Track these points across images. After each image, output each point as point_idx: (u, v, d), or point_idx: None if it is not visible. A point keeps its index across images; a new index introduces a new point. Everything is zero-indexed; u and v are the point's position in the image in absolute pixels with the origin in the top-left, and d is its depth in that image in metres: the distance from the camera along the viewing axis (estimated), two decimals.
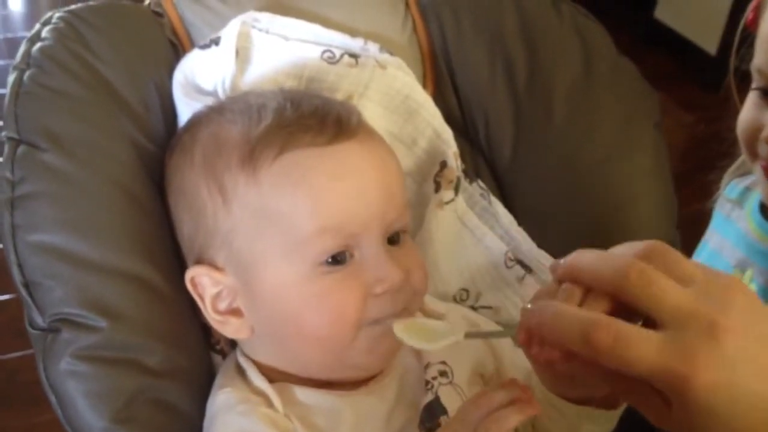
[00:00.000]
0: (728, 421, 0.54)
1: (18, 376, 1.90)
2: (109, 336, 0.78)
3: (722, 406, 0.54)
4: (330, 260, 0.75)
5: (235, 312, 0.80)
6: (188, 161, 0.82)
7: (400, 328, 0.75)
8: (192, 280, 0.80)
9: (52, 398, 0.78)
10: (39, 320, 0.78)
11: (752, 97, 0.92)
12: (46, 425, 1.70)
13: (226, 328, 0.81)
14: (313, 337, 0.77)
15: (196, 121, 0.85)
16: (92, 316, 0.78)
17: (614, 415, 0.78)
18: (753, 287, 0.95)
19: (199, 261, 0.81)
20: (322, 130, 0.77)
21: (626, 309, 0.57)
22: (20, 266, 0.78)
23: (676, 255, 0.58)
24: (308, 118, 0.78)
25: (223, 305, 0.80)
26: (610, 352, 0.55)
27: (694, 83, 3.15)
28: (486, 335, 0.83)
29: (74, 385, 0.77)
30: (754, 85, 0.91)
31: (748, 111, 0.92)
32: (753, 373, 0.54)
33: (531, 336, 0.62)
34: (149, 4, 1.00)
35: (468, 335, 0.73)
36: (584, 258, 0.60)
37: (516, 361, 0.85)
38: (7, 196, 0.79)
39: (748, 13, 0.95)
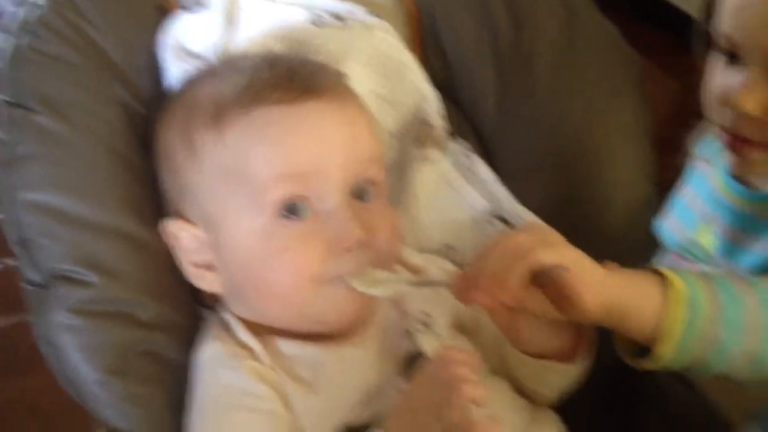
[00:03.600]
0: None
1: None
2: (102, 291, 0.81)
3: None
4: (287, 213, 0.78)
5: (210, 266, 0.83)
6: (169, 121, 0.85)
7: (357, 279, 0.78)
8: (169, 233, 0.84)
9: (48, 351, 0.81)
10: (34, 276, 0.82)
11: (717, 63, 0.93)
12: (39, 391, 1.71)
13: (201, 281, 0.84)
14: (270, 293, 0.80)
15: (184, 84, 0.89)
16: (86, 272, 0.81)
17: (572, 369, 0.83)
18: (712, 239, 0.98)
19: (176, 216, 0.84)
20: (289, 89, 0.80)
21: None
22: (16, 224, 0.82)
23: None
24: (279, 77, 0.81)
25: (198, 259, 0.83)
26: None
27: (679, 49, 3.15)
28: (429, 284, 0.84)
29: (69, 338, 0.80)
30: (719, 50, 0.92)
31: (714, 77, 0.94)
32: None
33: (467, 284, 0.70)
34: None
35: (412, 283, 0.79)
36: None
37: None
38: (3, 156, 0.83)
39: None
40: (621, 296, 0.72)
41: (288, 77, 0.81)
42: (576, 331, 0.80)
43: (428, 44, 1.06)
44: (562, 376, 0.84)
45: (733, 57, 0.89)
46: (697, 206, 1.02)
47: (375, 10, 1.01)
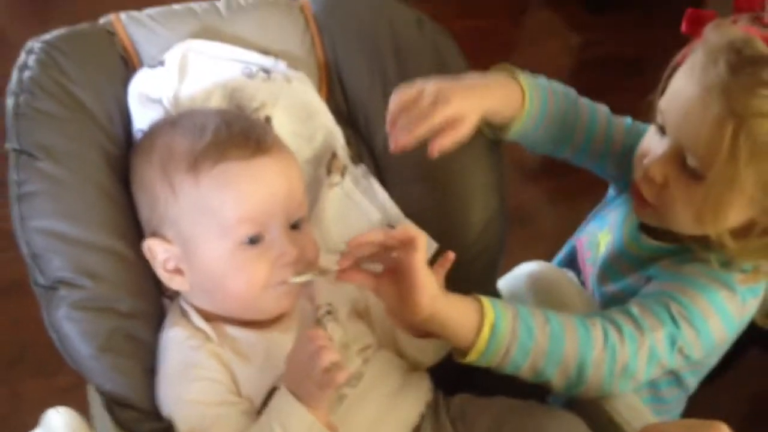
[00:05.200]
0: None
1: None
2: (92, 292, 1.09)
3: None
4: (248, 241, 1.07)
5: (179, 271, 1.10)
6: (147, 162, 1.11)
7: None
8: (148, 248, 1.11)
9: (54, 336, 1.09)
10: (41, 280, 1.08)
11: (651, 128, 1.11)
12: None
13: (172, 282, 1.11)
14: (232, 295, 1.08)
15: (154, 130, 1.15)
16: (80, 278, 1.08)
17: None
18: (602, 250, 1.25)
19: (154, 235, 1.11)
20: (246, 147, 1.07)
21: None
22: (27, 243, 1.08)
23: None
24: (236, 137, 1.08)
25: (170, 266, 1.10)
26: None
27: (581, 3, 3.14)
28: (325, 273, 1.09)
29: (70, 326, 1.08)
30: (655, 119, 1.09)
31: (645, 138, 1.12)
32: None
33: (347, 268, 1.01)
34: (104, 24, 1.26)
35: (315, 275, 1.09)
36: None
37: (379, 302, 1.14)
38: (15, 193, 1.09)
39: (679, 57, 1.09)
40: (447, 310, 1.01)
41: (243, 136, 1.08)
42: None
43: (334, 85, 1.33)
44: (441, 348, 1.15)
45: (662, 129, 1.07)
46: (612, 216, 1.27)
47: (292, 60, 1.28)
